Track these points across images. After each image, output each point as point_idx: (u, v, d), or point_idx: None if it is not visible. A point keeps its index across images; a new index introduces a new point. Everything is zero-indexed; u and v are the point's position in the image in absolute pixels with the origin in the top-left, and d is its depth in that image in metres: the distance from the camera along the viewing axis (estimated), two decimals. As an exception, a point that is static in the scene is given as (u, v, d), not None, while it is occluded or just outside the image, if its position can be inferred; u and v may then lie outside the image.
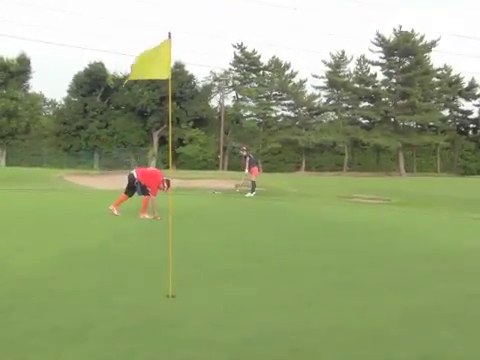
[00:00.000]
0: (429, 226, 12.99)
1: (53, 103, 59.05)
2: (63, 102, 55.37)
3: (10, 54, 52.55)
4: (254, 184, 20.46)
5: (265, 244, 9.14)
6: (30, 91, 55.07)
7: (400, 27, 56.88)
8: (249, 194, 20.06)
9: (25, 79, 53.42)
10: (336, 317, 4.97)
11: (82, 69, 52.74)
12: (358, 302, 5.54)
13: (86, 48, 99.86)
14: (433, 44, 57.74)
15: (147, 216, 11.76)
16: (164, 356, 3.96)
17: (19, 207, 13.85)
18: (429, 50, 58.14)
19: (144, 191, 11.92)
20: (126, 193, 12.31)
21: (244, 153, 21.18)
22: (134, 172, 12.37)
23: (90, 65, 52.50)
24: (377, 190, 25.35)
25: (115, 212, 11.94)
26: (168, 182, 11.68)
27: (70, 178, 26.96)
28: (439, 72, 60.88)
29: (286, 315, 5.02)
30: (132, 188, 12.15)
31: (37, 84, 70.65)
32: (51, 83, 77.53)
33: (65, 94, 54.62)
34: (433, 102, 60.34)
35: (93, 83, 52.49)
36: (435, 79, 60.82)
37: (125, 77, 50.10)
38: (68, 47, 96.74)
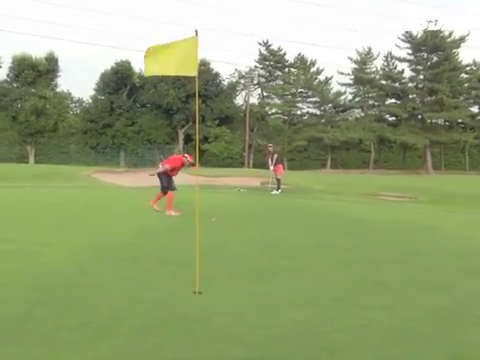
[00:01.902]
0: (457, 224, 12.81)
1: (80, 101, 59.87)
2: (90, 100, 56.15)
3: (39, 53, 53.53)
4: (279, 182, 20.47)
5: (291, 241, 9.11)
6: (58, 90, 56.04)
7: (428, 23, 56.07)
8: (275, 192, 20.06)
9: (53, 78, 54.27)
10: (364, 315, 4.93)
11: (109, 67, 53.39)
12: (386, 300, 5.48)
13: (113, 47, 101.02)
14: (462, 40, 56.82)
15: (173, 213, 11.87)
16: (192, 351, 3.98)
17: (48, 203, 14.06)
18: (458, 46, 57.21)
19: (168, 185, 12.25)
20: (161, 190, 12.62)
21: (271, 149, 21.18)
22: (160, 167, 12.70)
23: (117, 63, 53.07)
24: (404, 188, 25.10)
25: (156, 207, 12.44)
26: (190, 156, 12.59)
27: (97, 175, 27.31)
28: (468, 68, 59.86)
29: (313, 312, 4.99)
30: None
31: (65, 83, 71.62)
32: (78, 82, 78.59)
33: (92, 92, 55.55)
34: (462, 98, 59.44)
35: (119, 81, 53.03)
36: (464, 75, 59.86)
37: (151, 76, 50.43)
38: (95, 46, 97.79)
